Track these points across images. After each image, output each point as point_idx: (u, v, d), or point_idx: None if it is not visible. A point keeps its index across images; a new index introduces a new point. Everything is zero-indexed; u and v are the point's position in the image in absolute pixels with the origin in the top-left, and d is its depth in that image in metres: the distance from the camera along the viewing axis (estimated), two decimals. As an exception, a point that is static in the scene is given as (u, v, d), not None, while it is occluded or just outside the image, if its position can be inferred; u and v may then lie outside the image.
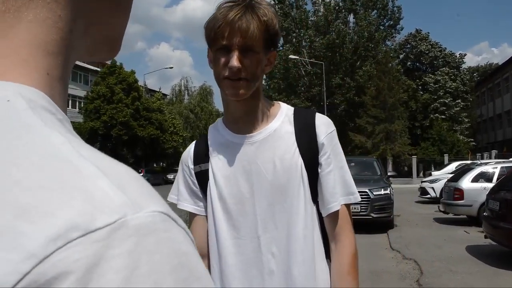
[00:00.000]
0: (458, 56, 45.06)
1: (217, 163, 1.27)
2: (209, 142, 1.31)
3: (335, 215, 1.25)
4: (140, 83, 35.46)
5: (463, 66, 45.81)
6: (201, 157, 1.32)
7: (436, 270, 6.17)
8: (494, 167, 11.15)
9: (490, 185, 9.04)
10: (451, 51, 44.74)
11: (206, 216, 1.31)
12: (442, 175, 16.59)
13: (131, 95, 31.77)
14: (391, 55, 35.50)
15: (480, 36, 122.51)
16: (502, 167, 10.79)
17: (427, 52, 43.51)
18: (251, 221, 1.22)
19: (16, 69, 0.35)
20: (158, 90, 42.81)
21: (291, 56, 31.56)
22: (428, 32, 45.51)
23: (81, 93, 38.01)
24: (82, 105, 35.49)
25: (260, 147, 1.24)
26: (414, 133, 36.89)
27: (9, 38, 0.35)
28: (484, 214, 7.81)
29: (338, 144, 1.29)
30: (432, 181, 15.74)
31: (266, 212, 1.21)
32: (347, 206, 1.28)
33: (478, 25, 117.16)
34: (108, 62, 32.81)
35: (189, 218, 1.37)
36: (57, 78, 0.38)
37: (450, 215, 10.99)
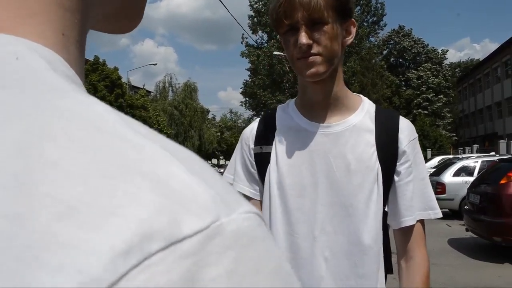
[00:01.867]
0: (440, 52, 45.57)
1: (282, 147, 1.15)
2: (277, 124, 1.19)
3: (408, 229, 1.14)
4: (124, 80, 35.17)
5: (445, 62, 46.37)
6: (264, 137, 1.19)
7: (419, 263, 6.27)
8: (475, 161, 11.37)
9: (471, 179, 9.22)
10: (433, 47, 45.24)
11: (261, 201, 1.20)
12: (425, 169, 16.77)
13: (114, 92, 31.49)
14: (375, 51, 35.76)
15: (462, 32, 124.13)
16: (482, 161, 11.01)
17: (410, 48, 43.90)
18: (309, 219, 1.10)
19: (26, 25, 0.27)
20: (142, 87, 42.49)
21: (276, 53, 31.52)
22: (411, 28, 46.00)
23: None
24: (64, 103, 34.96)
25: (335, 139, 1.11)
26: (398, 129, 37.13)
27: None
28: (465, 207, 7.97)
29: (420, 153, 1.17)
30: (415, 176, 15.92)
31: (327, 212, 1.09)
32: (423, 221, 1.16)
33: (460, 21, 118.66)
34: (91, 59, 32.52)
35: None
36: (73, 40, 0.30)
37: (433, 209, 11.16)
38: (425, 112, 39.86)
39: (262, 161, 1.18)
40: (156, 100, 43.52)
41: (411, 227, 1.14)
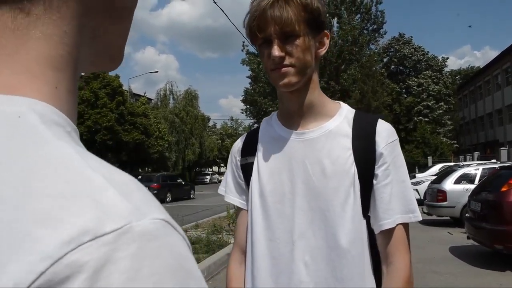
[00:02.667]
0: (440, 59, 45.70)
1: (263, 157, 1.20)
2: (259, 135, 1.25)
3: (388, 233, 1.12)
4: (125, 87, 35.23)
5: (446, 69, 46.48)
6: (249, 149, 1.25)
7: (420, 271, 6.24)
8: (476, 168, 11.35)
9: (472, 187, 9.19)
10: (433, 55, 45.39)
11: None
12: (426, 177, 16.77)
13: (115, 99, 31.52)
14: (375, 58, 35.80)
15: (463, 39, 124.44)
16: (484, 169, 10.99)
17: (410, 55, 44.03)
18: (288, 223, 1.13)
19: (28, 84, 0.37)
20: (143, 94, 42.56)
21: (276, 60, 31.67)
22: (411, 36, 46.15)
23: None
24: (65, 110, 34.99)
25: (310, 145, 1.14)
26: (398, 136, 36.89)
27: (21, 54, 0.37)
28: (466, 215, 7.94)
29: (400, 156, 1.16)
30: (416, 183, 15.89)
31: (306, 217, 1.12)
32: (405, 225, 1.13)
33: (460, 29, 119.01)
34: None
35: (236, 211, 1.34)
36: (65, 90, 0.39)
37: (434, 217, 11.13)
38: (426, 119, 39.86)
39: (247, 172, 1.23)
40: (157, 108, 43.55)
41: (391, 231, 1.11)
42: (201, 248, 7.21)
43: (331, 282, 1.09)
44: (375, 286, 1.13)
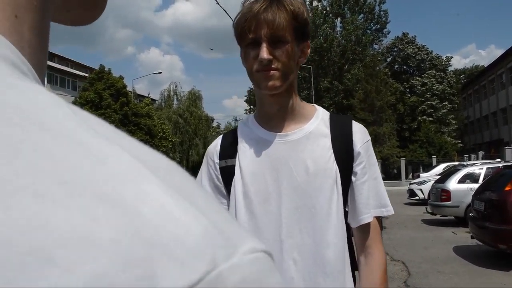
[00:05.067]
0: (444, 59, 45.56)
1: (245, 159, 1.21)
2: (238, 137, 1.26)
3: (366, 226, 1.21)
4: (129, 88, 35.36)
5: (450, 68, 46.33)
6: (228, 151, 1.25)
7: (424, 271, 6.25)
8: (480, 168, 11.32)
9: (476, 186, 9.16)
10: (437, 54, 45.24)
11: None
12: (430, 176, 16.74)
13: (119, 100, 31.64)
14: (379, 58, 35.80)
15: (467, 38, 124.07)
16: (488, 168, 10.96)
17: (414, 55, 43.91)
18: (275, 223, 1.15)
19: None
20: (147, 95, 42.71)
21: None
22: (415, 35, 46.10)
23: (69, 99, 37.70)
24: (70, 111, 35.17)
25: (293, 147, 1.18)
26: (402, 136, 37.15)
27: None
28: (470, 214, 7.93)
29: (373, 154, 1.25)
30: (420, 183, 15.88)
31: (292, 216, 1.15)
32: (378, 218, 1.24)
33: (465, 27, 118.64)
34: (96, 67, 32.69)
35: None
36: (30, 25, 0.26)
37: (438, 216, 11.12)
38: (430, 119, 39.73)
39: (227, 174, 1.24)
40: (161, 109, 43.69)
41: (369, 224, 1.21)
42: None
43: (320, 276, 1.14)
44: (352, 279, 1.20)
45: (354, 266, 1.22)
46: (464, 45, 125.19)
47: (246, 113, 39.69)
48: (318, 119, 1.23)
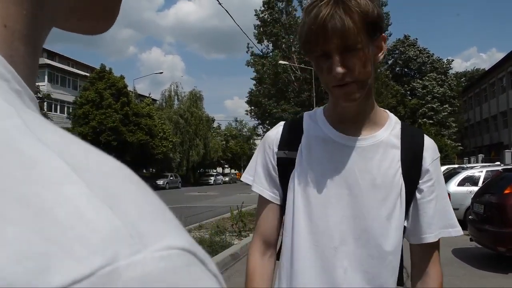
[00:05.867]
0: (445, 62, 45.61)
1: (308, 155, 1.15)
2: (304, 131, 1.18)
3: (428, 246, 1.17)
4: (130, 88, 35.36)
5: (450, 71, 46.36)
6: (289, 143, 1.19)
7: (423, 273, 6.26)
8: (479, 171, 11.32)
9: (475, 189, 9.17)
10: (438, 57, 45.33)
11: (280, 205, 1.21)
12: (429, 179, 16.70)
13: (120, 100, 31.63)
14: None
15: (469, 41, 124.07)
16: (487, 171, 10.96)
17: (415, 57, 43.98)
18: (331, 229, 1.11)
19: None
20: (148, 95, 42.72)
21: (281, 62, 31.66)
22: (416, 38, 46.15)
23: (69, 98, 37.76)
24: (70, 111, 35.26)
25: (362, 154, 1.12)
26: (403, 138, 37.17)
27: None
28: (470, 217, 7.94)
29: (441, 172, 1.19)
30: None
31: (349, 225, 1.10)
32: (441, 238, 1.19)
33: (467, 31, 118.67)
34: (97, 67, 32.72)
35: (259, 201, 1.25)
36: (19, 34, 0.27)
37: (438, 219, 11.12)
38: (430, 121, 39.81)
39: (284, 166, 1.18)
40: (161, 109, 43.71)
41: (431, 244, 1.17)
42: (204, 249, 7.15)
43: None
44: None
45: (400, 282, 1.18)
46: (465, 48, 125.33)
47: (247, 114, 39.70)
48: (391, 128, 1.16)
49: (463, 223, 9.62)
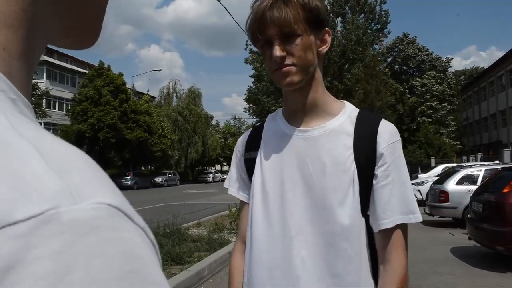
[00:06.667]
0: (444, 60, 45.62)
1: (266, 152, 1.21)
2: (263, 131, 1.26)
3: (387, 232, 1.13)
4: (129, 85, 35.29)
5: (450, 70, 46.39)
6: (253, 144, 1.27)
7: (421, 272, 6.26)
8: (478, 169, 11.33)
9: (474, 188, 9.17)
10: (437, 55, 45.34)
11: None
12: (428, 177, 16.75)
13: (118, 97, 31.58)
14: (379, 58, 35.78)
15: (469, 40, 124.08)
16: (486, 170, 10.97)
17: (414, 55, 43.99)
18: (287, 219, 1.14)
19: None
20: (146, 92, 42.67)
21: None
22: (415, 36, 46.11)
23: (68, 95, 37.70)
24: (69, 108, 35.18)
25: (312, 143, 1.15)
26: (401, 136, 36.88)
27: None
28: (468, 216, 7.94)
29: (401, 157, 1.16)
30: (418, 184, 15.87)
31: (304, 214, 1.13)
32: (404, 225, 1.15)
33: (466, 29, 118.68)
34: (96, 64, 32.63)
35: (240, 205, 1.34)
36: (16, 54, 0.32)
37: (436, 217, 11.13)
38: (429, 120, 39.82)
39: (251, 166, 1.25)
40: (160, 106, 43.65)
41: (390, 230, 1.13)
42: (203, 246, 7.24)
43: (327, 278, 1.11)
44: (373, 285, 1.15)
45: (376, 277, 1.16)
46: (465, 46, 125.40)
47: (245, 112, 39.64)
48: (345, 116, 1.18)
49: (461, 221, 9.66)
